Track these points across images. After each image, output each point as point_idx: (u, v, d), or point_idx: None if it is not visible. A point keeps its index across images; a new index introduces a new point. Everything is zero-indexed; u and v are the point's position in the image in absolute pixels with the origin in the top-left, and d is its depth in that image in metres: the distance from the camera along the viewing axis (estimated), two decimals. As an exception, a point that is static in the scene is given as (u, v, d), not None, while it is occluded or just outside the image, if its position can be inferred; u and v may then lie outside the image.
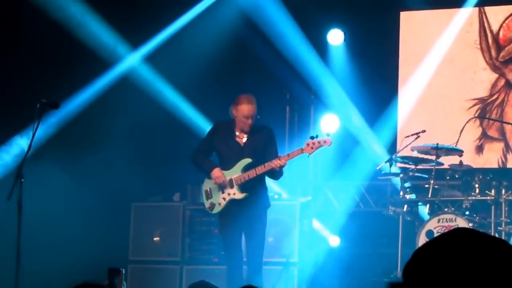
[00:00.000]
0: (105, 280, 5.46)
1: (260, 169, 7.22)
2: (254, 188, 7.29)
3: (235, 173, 7.32)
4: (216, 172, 7.31)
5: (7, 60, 9.35)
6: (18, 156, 8.57)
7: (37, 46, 9.52)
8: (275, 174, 7.35)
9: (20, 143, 8.93)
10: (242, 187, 7.29)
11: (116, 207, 9.45)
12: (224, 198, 7.35)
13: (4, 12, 9.51)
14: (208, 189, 7.45)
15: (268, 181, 7.57)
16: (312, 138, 7.28)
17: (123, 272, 5.66)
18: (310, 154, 7.30)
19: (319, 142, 7.26)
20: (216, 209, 7.40)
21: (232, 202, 7.32)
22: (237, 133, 7.38)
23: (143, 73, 9.89)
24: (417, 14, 10.14)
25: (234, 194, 7.31)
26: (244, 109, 7.26)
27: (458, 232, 1.58)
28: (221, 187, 7.34)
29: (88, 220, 9.15)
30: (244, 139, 7.38)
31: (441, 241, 1.56)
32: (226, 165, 7.36)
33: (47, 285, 7.98)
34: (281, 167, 7.21)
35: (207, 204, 7.45)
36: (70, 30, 9.38)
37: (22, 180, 6.33)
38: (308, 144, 7.26)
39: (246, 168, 7.28)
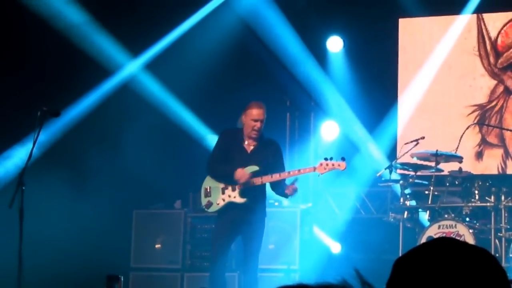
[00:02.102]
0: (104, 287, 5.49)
1: (266, 179, 7.25)
2: (254, 195, 7.29)
3: None
4: (239, 172, 7.23)
5: (8, 68, 9.39)
6: (19, 164, 8.59)
7: (39, 55, 9.56)
8: (279, 188, 7.36)
9: (21, 151, 8.95)
10: (243, 192, 7.28)
11: (117, 215, 9.47)
12: (223, 199, 7.34)
13: (7, 21, 9.55)
14: (208, 187, 7.44)
15: (268, 188, 7.56)
16: (326, 159, 7.32)
17: (122, 279, 5.68)
18: (321, 174, 7.36)
19: (333, 165, 7.31)
20: (213, 208, 7.38)
21: (231, 205, 7.31)
22: (246, 142, 7.39)
23: (144, 81, 9.93)
24: (416, 21, 10.16)
25: (234, 197, 7.29)
26: (254, 112, 7.28)
27: (438, 242, 1.57)
28: (223, 188, 7.35)
29: (90, 227, 9.16)
30: (252, 148, 7.39)
31: (421, 252, 1.55)
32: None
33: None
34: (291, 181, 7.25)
35: (204, 201, 7.44)
36: (71, 38, 9.41)
37: (24, 187, 6.37)
38: (321, 164, 7.31)
39: (251, 175, 7.27)
